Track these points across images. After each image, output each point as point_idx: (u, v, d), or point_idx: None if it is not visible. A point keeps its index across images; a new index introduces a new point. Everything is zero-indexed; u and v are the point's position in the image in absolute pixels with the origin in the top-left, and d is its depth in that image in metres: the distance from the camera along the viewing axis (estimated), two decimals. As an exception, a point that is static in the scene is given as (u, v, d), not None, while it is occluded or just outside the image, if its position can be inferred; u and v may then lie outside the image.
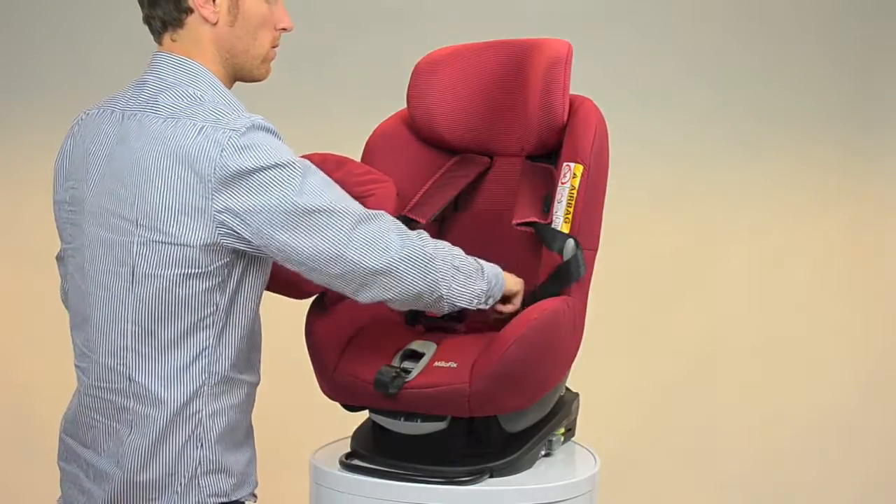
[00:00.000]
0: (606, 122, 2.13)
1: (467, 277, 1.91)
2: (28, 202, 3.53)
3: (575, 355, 2.07)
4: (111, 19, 3.47)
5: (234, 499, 1.88)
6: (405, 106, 2.31)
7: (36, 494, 3.46)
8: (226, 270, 1.79)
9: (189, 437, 1.81)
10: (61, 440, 1.95)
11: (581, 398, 2.29)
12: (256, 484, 1.96)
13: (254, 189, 1.73)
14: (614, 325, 3.42)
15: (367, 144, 2.28)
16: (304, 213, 1.75)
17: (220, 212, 1.73)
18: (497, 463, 2.00)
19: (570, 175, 2.04)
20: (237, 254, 1.79)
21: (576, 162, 2.05)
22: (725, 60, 3.72)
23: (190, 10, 1.83)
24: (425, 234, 1.91)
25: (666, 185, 3.70)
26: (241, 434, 1.90)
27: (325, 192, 1.78)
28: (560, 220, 2.02)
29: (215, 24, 1.84)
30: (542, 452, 2.12)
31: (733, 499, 3.78)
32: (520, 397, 1.97)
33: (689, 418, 3.71)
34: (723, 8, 3.71)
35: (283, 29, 1.93)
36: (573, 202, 2.03)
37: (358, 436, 2.13)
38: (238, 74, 1.90)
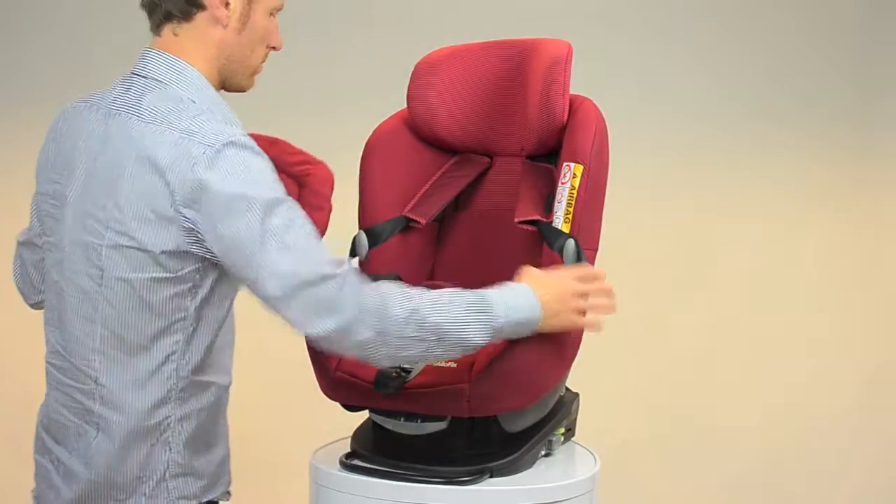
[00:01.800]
0: (606, 122, 2.13)
1: (423, 342, 1.77)
2: (27, 202, 3.53)
3: (575, 355, 2.06)
4: (111, 19, 3.47)
5: (204, 500, 1.88)
6: (405, 106, 2.31)
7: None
8: (197, 276, 1.78)
9: (157, 440, 1.81)
10: (37, 433, 1.96)
11: (581, 398, 2.29)
12: (230, 482, 1.97)
13: (220, 214, 1.71)
14: (614, 325, 3.42)
15: (367, 144, 2.28)
16: (258, 266, 1.71)
17: (186, 222, 1.72)
18: (497, 463, 2.00)
19: (570, 175, 2.04)
20: (208, 260, 1.78)
21: (576, 162, 2.05)
22: (726, 60, 3.72)
23: (202, 7, 1.81)
24: (385, 292, 1.78)
25: (666, 184, 3.70)
26: (211, 436, 1.90)
27: (285, 244, 1.71)
28: (560, 220, 2.02)
29: (225, 26, 1.82)
30: (542, 452, 2.12)
31: (733, 499, 3.78)
32: (520, 397, 1.97)
33: (689, 418, 3.71)
34: (723, 7, 3.72)
35: (274, 48, 1.93)
36: (573, 202, 2.03)
37: (358, 436, 2.13)
38: (226, 81, 1.89)
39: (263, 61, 1.92)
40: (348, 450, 2.09)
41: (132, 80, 1.83)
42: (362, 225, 2.24)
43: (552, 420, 2.13)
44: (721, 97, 3.72)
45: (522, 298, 1.84)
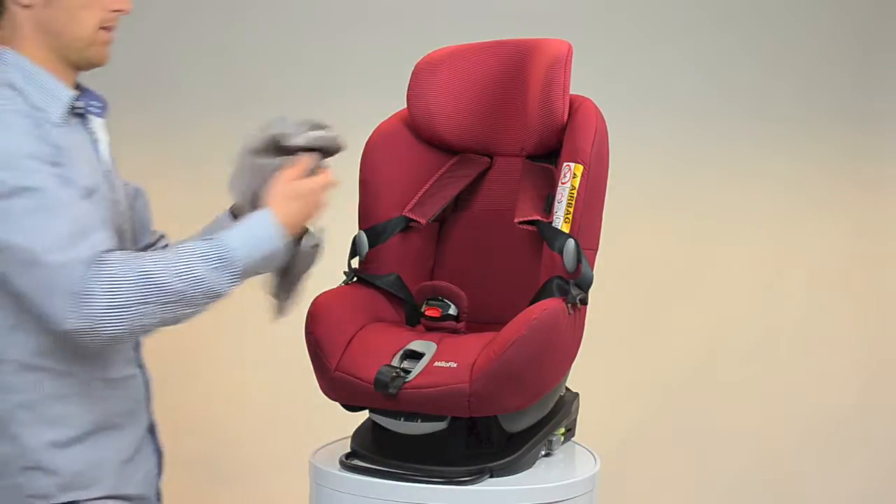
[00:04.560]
0: (606, 122, 2.13)
1: (168, 307, 1.71)
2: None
3: (575, 355, 2.06)
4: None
5: (63, 501, 1.77)
6: (405, 106, 2.31)
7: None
8: None
9: (3, 431, 1.74)
10: None
11: (581, 398, 2.29)
12: (117, 488, 1.86)
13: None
14: (614, 325, 3.43)
15: (367, 145, 2.28)
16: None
17: None
18: (497, 463, 2.00)
19: (571, 175, 2.04)
20: None
21: (576, 162, 2.05)
22: (726, 60, 3.73)
23: None
24: (113, 273, 1.68)
25: (666, 184, 3.70)
26: (69, 429, 1.79)
27: (25, 225, 1.67)
28: (560, 220, 2.02)
29: (28, 6, 1.78)
30: (542, 452, 2.12)
31: (733, 499, 3.78)
32: (520, 397, 1.97)
33: (689, 418, 3.71)
34: (723, 7, 3.72)
35: (119, 10, 1.86)
36: (573, 202, 2.03)
37: (358, 436, 2.13)
38: (69, 59, 1.84)
39: (106, 28, 1.85)
40: (348, 450, 2.09)
41: None
42: (362, 225, 2.24)
43: (552, 420, 2.13)
44: (721, 97, 3.72)
45: (262, 232, 1.82)
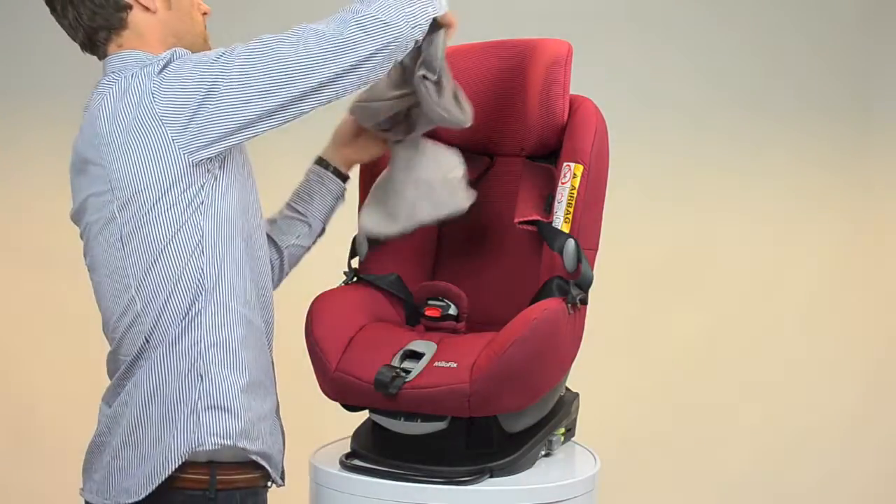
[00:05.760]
0: (606, 122, 2.13)
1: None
2: (29, 203, 3.53)
3: (575, 355, 2.06)
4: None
5: (241, 446, 1.86)
6: (405, 106, 2.30)
7: (36, 494, 3.46)
8: (203, 191, 1.82)
9: (189, 369, 1.82)
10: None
11: (581, 398, 2.29)
12: (269, 446, 1.95)
13: (195, 97, 1.77)
14: (614, 325, 3.43)
15: (367, 144, 2.28)
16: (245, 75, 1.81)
17: (175, 136, 1.77)
18: (497, 463, 2.00)
19: (570, 175, 2.04)
20: (212, 166, 1.82)
21: (576, 162, 2.05)
22: (725, 60, 3.73)
23: (129, 7, 1.87)
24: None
25: (666, 184, 3.71)
26: (246, 375, 1.88)
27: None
28: (560, 220, 2.02)
29: (155, 11, 1.88)
30: (542, 452, 2.12)
31: (733, 499, 3.79)
32: (520, 397, 1.97)
33: (689, 418, 3.71)
34: (723, 7, 3.72)
35: (205, 13, 1.99)
36: (573, 202, 2.03)
37: (358, 436, 2.13)
38: None
39: (204, 27, 1.98)
40: (348, 450, 2.10)
41: (96, 84, 1.89)
42: (363, 225, 2.24)
43: (552, 420, 2.13)
44: (721, 97, 3.72)
45: None
